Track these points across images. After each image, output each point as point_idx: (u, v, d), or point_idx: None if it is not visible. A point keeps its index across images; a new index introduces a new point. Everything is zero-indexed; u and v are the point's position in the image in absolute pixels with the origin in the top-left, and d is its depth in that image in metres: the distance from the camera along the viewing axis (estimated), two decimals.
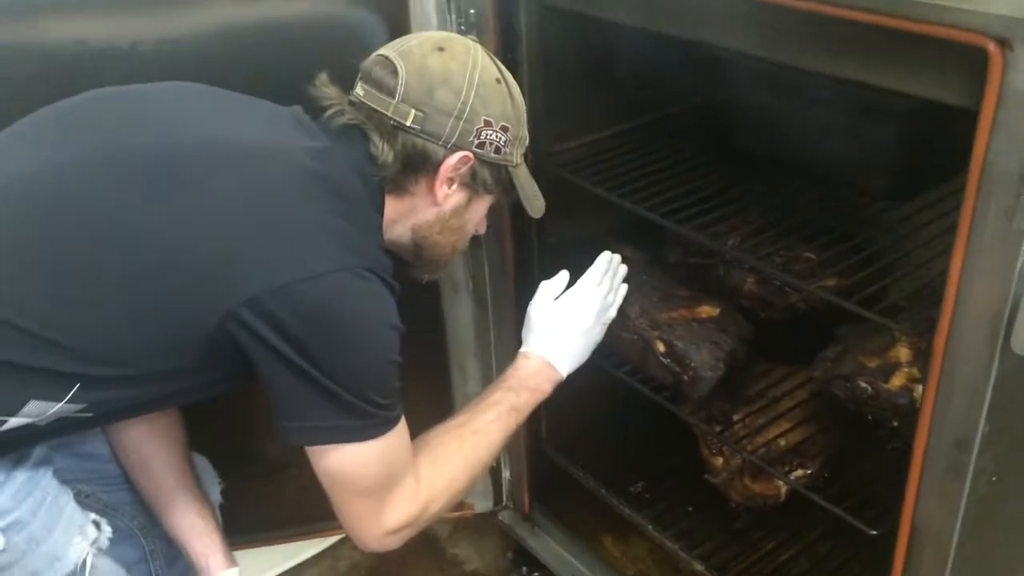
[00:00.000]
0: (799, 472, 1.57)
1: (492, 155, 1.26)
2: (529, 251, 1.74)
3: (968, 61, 0.93)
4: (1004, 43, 0.90)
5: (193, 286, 1.06)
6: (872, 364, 1.43)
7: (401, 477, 1.22)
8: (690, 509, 1.84)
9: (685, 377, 1.57)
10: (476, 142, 1.24)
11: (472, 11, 1.51)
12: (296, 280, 1.06)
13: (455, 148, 1.23)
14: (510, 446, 1.95)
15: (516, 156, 1.31)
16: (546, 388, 1.46)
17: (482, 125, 1.24)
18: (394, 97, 1.21)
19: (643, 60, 1.53)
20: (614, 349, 1.63)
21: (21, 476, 1.14)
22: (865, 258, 1.50)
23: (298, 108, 1.27)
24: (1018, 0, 0.90)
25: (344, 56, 1.28)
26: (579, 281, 1.51)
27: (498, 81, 1.26)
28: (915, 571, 1.21)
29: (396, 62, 1.22)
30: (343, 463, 1.16)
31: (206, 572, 1.42)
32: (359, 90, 1.24)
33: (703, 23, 1.21)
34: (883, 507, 1.34)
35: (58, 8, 1.42)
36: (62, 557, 1.17)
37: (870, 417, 1.45)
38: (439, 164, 1.24)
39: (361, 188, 1.21)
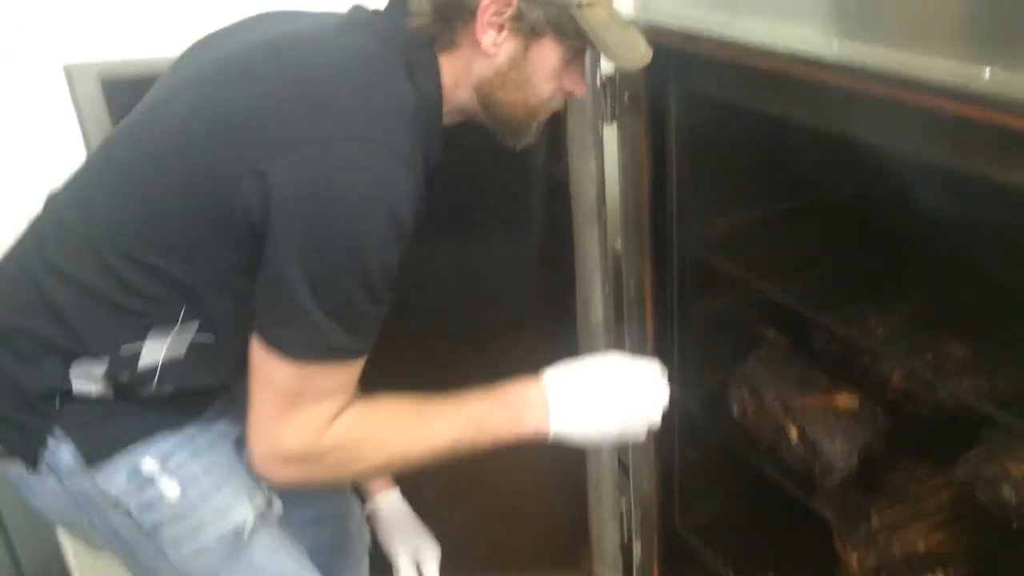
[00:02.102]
0: None
1: None
2: (670, 325, 1.76)
3: None
4: None
5: (229, 146, 1.09)
6: (1018, 472, 1.36)
7: (316, 407, 1.14)
8: None
9: (817, 467, 1.54)
10: None
11: (626, 94, 1.58)
12: (308, 140, 1.06)
13: None
14: (642, 520, 1.96)
15: None
16: (528, 423, 1.23)
17: None
18: None
19: (787, 147, 1.54)
20: (748, 431, 1.62)
21: (202, 439, 1.24)
22: None
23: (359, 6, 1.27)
24: None
25: None
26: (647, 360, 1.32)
27: None
28: None
29: None
30: (263, 360, 1.11)
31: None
32: None
33: (837, 117, 1.24)
34: None
35: None
36: (227, 513, 1.25)
37: (1015, 524, 1.38)
38: (476, 8, 1.15)
39: (408, 52, 1.17)
